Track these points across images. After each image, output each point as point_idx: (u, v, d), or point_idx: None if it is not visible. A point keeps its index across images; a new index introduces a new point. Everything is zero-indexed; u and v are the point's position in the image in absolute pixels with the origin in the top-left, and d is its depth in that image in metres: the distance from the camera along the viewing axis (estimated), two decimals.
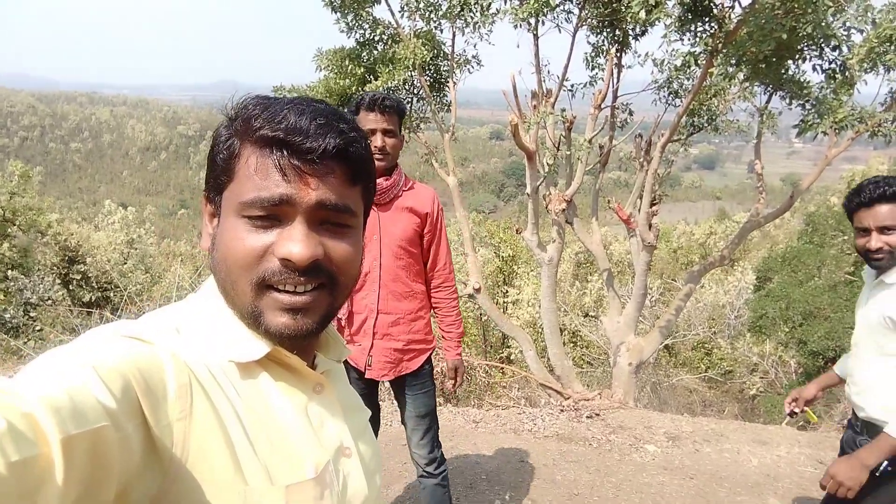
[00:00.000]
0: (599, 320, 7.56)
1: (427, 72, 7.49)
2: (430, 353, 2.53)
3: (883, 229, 1.99)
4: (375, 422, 2.70)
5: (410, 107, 7.81)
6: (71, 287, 10.79)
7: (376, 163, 2.27)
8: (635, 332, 6.73)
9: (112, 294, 9.84)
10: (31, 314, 9.50)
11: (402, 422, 2.59)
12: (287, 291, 0.71)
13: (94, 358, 0.58)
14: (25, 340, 7.89)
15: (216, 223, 0.76)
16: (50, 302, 9.91)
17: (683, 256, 22.84)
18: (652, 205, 6.44)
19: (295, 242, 0.69)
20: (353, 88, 7.24)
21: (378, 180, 2.30)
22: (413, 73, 7.12)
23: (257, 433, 0.70)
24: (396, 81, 6.96)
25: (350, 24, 7.23)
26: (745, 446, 4.51)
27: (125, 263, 16.02)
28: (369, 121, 2.28)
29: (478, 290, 6.34)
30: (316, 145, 0.69)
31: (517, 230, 6.93)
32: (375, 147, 2.28)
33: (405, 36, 6.93)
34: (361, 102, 2.31)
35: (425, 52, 6.73)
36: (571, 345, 14.90)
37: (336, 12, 7.10)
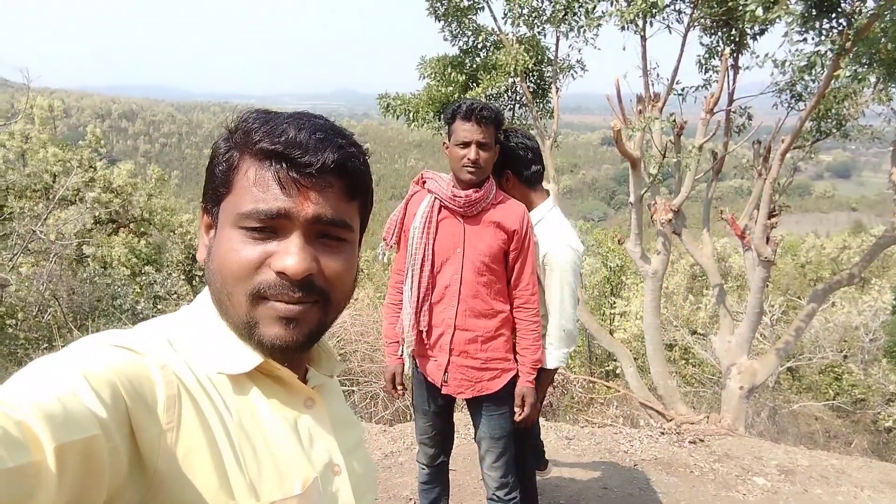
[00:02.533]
0: (708, 339, 7.09)
1: (529, 78, 7.38)
2: (513, 375, 2.39)
3: None
4: (449, 437, 2.62)
5: (512, 114, 7.73)
6: (194, 283, 11.60)
7: (467, 176, 2.19)
8: (749, 353, 6.25)
9: None
10: (159, 306, 10.26)
11: (476, 440, 2.49)
12: (282, 301, 0.71)
13: (84, 366, 0.58)
14: None
15: (212, 235, 0.76)
16: (175, 296, 10.66)
17: (812, 272, 21.13)
18: (770, 216, 5.96)
19: (291, 256, 0.69)
20: (455, 96, 7.25)
21: (468, 192, 2.23)
22: (515, 80, 7.04)
23: (245, 447, 0.69)
24: (498, 88, 6.90)
25: (454, 31, 7.28)
26: (867, 489, 4.03)
27: None
28: (464, 131, 2.17)
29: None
30: (315, 159, 0.69)
31: (619, 240, 6.65)
32: (468, 160, 2.16)
33: (508, 42, 6.86)
34: (458, 111, 2.20)
35: (527, 58, 6.63)
36: (682, 362, 14.17)
37: (440, 21, 7.16)
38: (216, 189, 0.75)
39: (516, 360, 2.41)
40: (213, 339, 0.74)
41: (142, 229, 13.88)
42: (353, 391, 5.71)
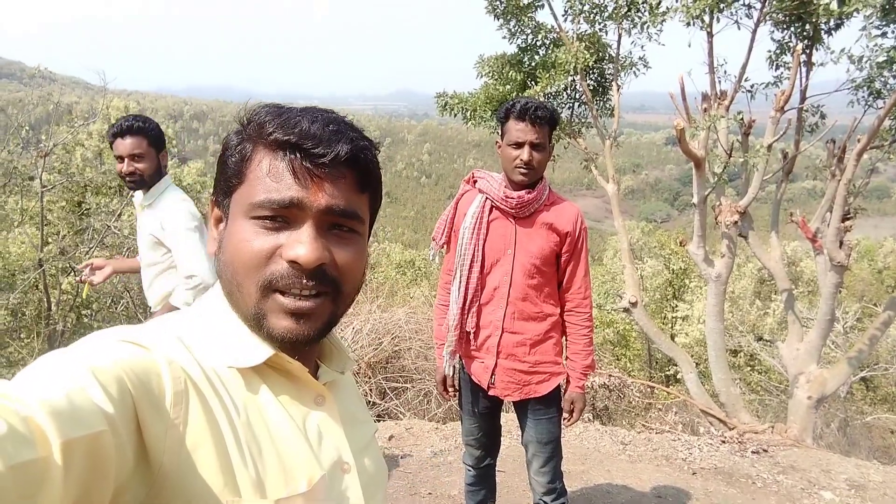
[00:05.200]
0: (775, 346, 6.80)
1: (589, 76, 7.26)
2: (561, 380, 2.35)
3: None
4: (496, 440, 2.59)
5: (571, 112, 7.61)
6: None
7: (520, 177, 2.16)
8: (818, 361, 5.96)
9: None
10: None
11: (523, 444, 2.45)
12: (292, 295, 0.71)
13: (92, 362, 0.58)
14: None
15: (222, 227, 0.77)
16: None
17: (889, 278, 20.02)
18: (844, 219, 5.66)
19: (303, 245, 0.70)
20: (513, 94, 7.19)
21: (520, 193, 2.19)
22: (574, 78, 6.93)
23: (251, 444, 0.68)
24: (556, 86, 6.80)
25: (512, 29, 7.22)
26: None
27: None
28: (518, 131, 2.12)
29: (634, 305, 6.00)
30: (328, 150, 0.70)
31: (681, 242, 6.45)
32: (521, 161, 2.12)
33: (567, 40, 6.76)
34: (512, 110, 2.15)
35: (588, 56, 6.51)
36: (748, 369, 13.66)
37: (499, 19, 7.11)
38: (228, 180, 0.75)
39: (566, 364, 2.37)
40: (223, 332, 0.74)
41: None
42: (407, 388, 5.75)
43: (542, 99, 6.75)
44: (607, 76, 7.30)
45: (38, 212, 12.10)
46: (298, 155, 0.70)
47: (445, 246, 2.43)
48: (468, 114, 7.36)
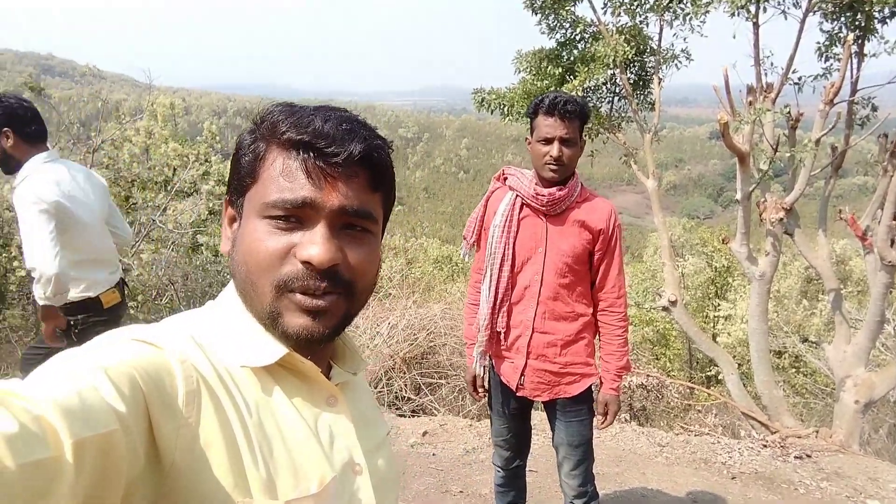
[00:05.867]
0: (822, 347, 6.57)
1: (630, 69, 7.12)
2: (593, 381, 2.30)
3: None
4: (525, 441, 2.55)
5: (611, 106, 7.50)
6: None
7: (550, 174, 2.11)
8: (867, 364, 5.74)
9: None
10: None
11: (554, 445, 2.41)
12: (307, 294, 0.71)
13: (104, 361, 0.58)
14: None
15: (236, 227, 0.77)
16: None
17: None
18: None
19: (316, 245, 0.70)
20: (551, 89, 7.12)
21: (551, 190, 2.15)
22: (614, 71, 6.81)
23: (262, 444, 0.68)
24: (595, 80, 6.70)
25: (551, 24, 7.14)
26: None
27: None
28: (547, 126, 2.08)
29: (673, 303, 5.87)
30: (341, 149, 0.70)
31: (724, 240, 6.29)
32: (550, 157, 2.08)
33: (607, 33, 6.64)
34: (540, 105, 2.11)
35: (627, 49, 6.40)
36: (792, 371, 13.26)
37: (537, 13, 7.04)
38: (241, 180, 0.75)
39: (597, 365, 2.33)
40: (236, 331, 0.74)
41: None
42: (442, 384, 5.75)
43: (580, 93, 6.66)
44: (648, 69, 7.16)
45: None
46: (311, 154, 0.70)
47: (476, 244, 2.40)
48: (505, 109, 7.31)
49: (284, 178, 0.70)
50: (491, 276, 2.27)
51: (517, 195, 2.23)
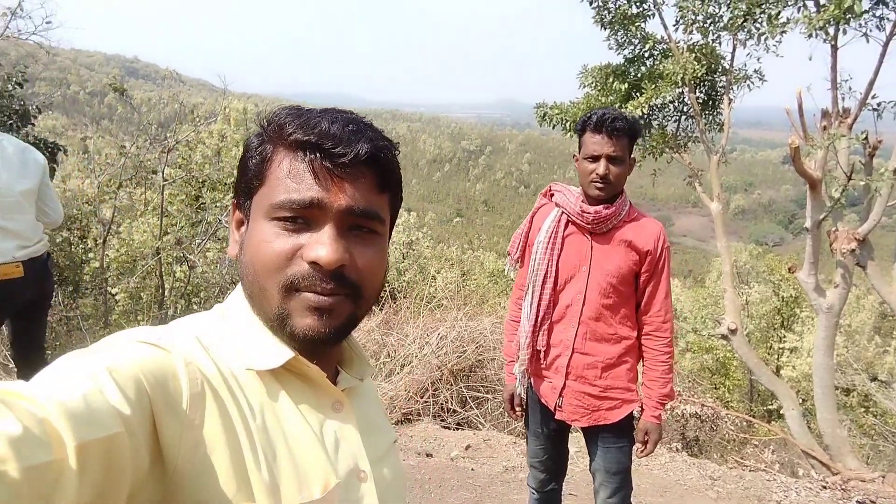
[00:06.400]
0: (893, 388, 6.20)
1: (699, 88, 6.95)
2: (633, 408, 2.22)
3: None
4: (562, 464, 2.47)
5: (677, 125, 7.32)
6: None
7: (595, 192, 2.06)
8: None
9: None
10: None
11: (591, 471, 2.33)
12: (314, 292, 0.71)
13: (110, 363, 0.58)
14: None
15: (244, 230, 0.77)
16: None
17: None
18: None
19: (323, 246, 0.69)
20: (616, 106, 7.01)
21: (597, 208, 2.09)
22: (682, 90, 6.66)
23: (267, 448, 0.68)
24: (662, 98, 6.56)
25: (620, 40, 7.05)
26: None
27: (403, 261, 17.73)
28: (594, 144, 2.03)
29: (733, 332, 5.65)
30: (348, 150, 0.70)
31: (790, 269, 6.02)
32: (597, 174, 2.03)
33: (677, 50, 6.51)
34: (588, 121, 2.06)
35: (698, 67, 6.25)
36: (861, 410, 12.56)
37: (606, 28, 6.96)
38: (249, 182, 0.75)
39: (639, 392, 2.25)
40: (243, 334, 0.74)
41: None
42: (488, 398, 5.70)
43: (646, 110, 6.54)
44: (718, 89, 6.97)
45: (159, 203, 13.09)
46: (318, 155, 0.70)
47: (520, 260, 2.36)
48: (568, 124, 7.23)
49: (291, 179, 0.71)
50: (533, 293, 2.22)
51: (563, 212, 2.19)
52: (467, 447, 4.58)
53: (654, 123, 7.34)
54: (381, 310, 7.39)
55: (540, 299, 2.21)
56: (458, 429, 5.33)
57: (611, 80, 6.95)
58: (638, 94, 6.76)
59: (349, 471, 0.75)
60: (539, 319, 2.22)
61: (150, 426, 0.59)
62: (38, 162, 3.05)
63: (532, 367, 2.32)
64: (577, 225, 2.16)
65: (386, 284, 0.84)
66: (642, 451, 2.20)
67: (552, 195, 2.27)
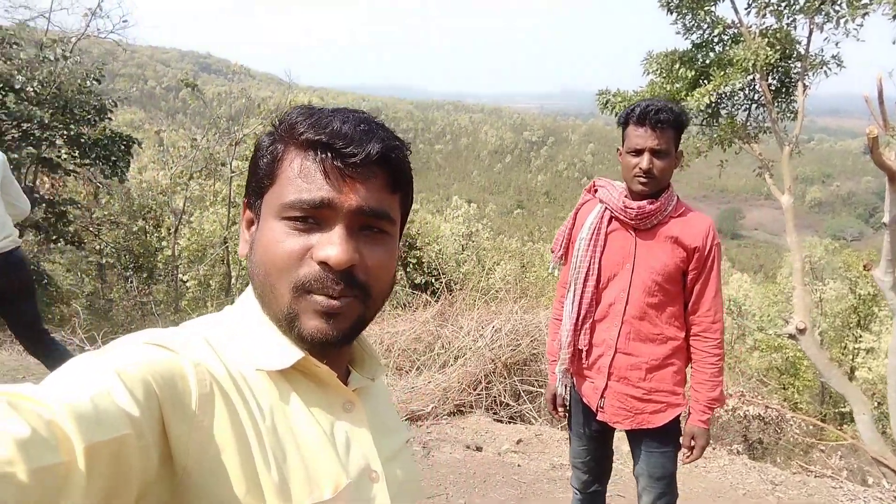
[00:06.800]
0: None
1: (772, 74, 6.62)
2: (679, 412, 2.12)
3: None
4: (605, 465, 2.40)
5: (748, 114, 7.01)
6: (408, 269, 12.37)
7: (639, 187, 2.00)
8: None
9: (435, 280, 10.98)
10: None
11: (634, 475, 2.25)
12: (324, 295, 0.70)
13: (118, 364, 0.59)
14: None
15: (254, 230, 0.76)
16: None
17: None
18: None
19: (334, 246, 0.69)
20: (682, 94, 6.77)
21: (640, 203, 2.02)
22: (753, 76, 6.36)
23: (276, 449, 0.67)
24: (731, 86, 6.28)
25: (688, 24, 6.78)
26: None
27: (462, 253, 17.78)
28: (637, 137, 1.96)
29: (802, 331, 5.38)
30: (359, 150, 0.69)
31: (865, 266, 5.68)
32: (640, 169, 1.96)
33: (748, 35, 6.21)
34: (631, 114, 1.98)
35: (770, 53, 5.94)
36: None
37: (672, 13, 6.72)
38: (260, 181, 0.75)
39: (686, 395, 2.14)
40: (253, 334, 0.74)
41: None
42: (541, 393, 5.64)
43: (713, 98, 6.29)
44: (793, 75, 6.63)
45: (227, 194, 13.54)
46: (329, 155, 0.69)
47: (563, 258, 2.30)
48: None
49: (302, 178, 0.70)
50: (574, 290, 2.16)
51: (606, 208, 2.12)
52: (518, 441, 4.55)
53: (723, 112, 7.05)
54: (437, 301, 7.42)
55: (581, 297, 2.15)
56: (510, 422, 5.30)
57: (677, 66, 6.71)
58: (705, 81, 6.50)
59: (360, 471, 0.75)
60: (580, 318, 2.16)
61: (159, 427, 0.59)
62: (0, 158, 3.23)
63: (574, 367, 2.26)
64: (621, 221, 2.09)
65: (395, 284, 0.82)
66: (688, 457, 2.11)
67: (596, 190, 2.20)
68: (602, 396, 2.15)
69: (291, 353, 0.72)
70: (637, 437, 2.17)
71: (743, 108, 7.01)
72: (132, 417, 0.54)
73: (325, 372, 0.74)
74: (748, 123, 6.93)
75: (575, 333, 2.18)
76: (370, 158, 0.70)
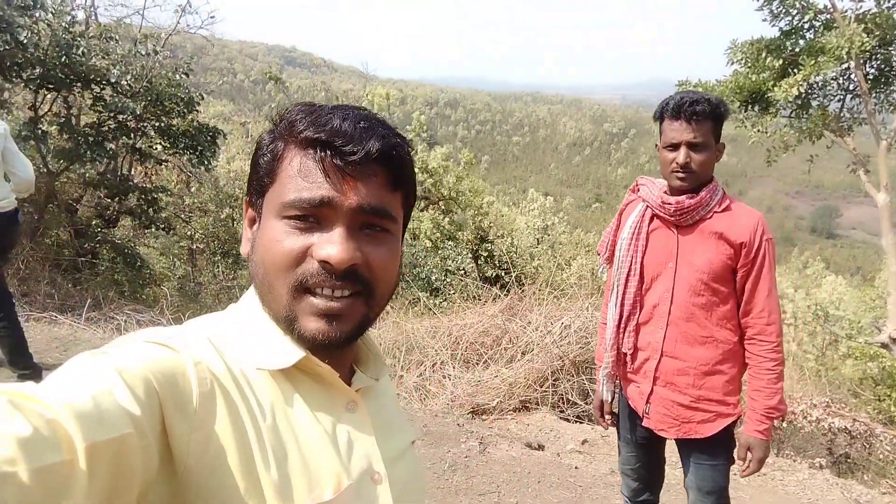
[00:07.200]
0: None
1: (870, 63, 6.16)
2: (734, 423, 2.01)
3: None
4: (656, 472, 2.30)
5: (841, 105, 6.56)
6: (479, 262, 12.37)
7: (677, 182, 1.93)
8: None
9: (505, 274, 10.92)
10: (447, 279, 11.20)
11: (684, 487, 2.15)
12: (324, 296, 0.70)
13: (120, 363, 0.59)
14: (438, 301, 9.32)
15: (256, 228, 0.76)
16: (462, 272, 11.51)
17: None
18: None
19: (334, 245, 0.68)
20: (769, 84, 6.40)
21: (679, 198, 1.94)
22: (848, 65, 5.94)
23: (277, 449, 0.67)
24: (823, 75, 5.89)
25: (775, 10, 6.41)
26: None
27: (536, 246, 17.59)
28: (672, 131, 1.91)
29: (895, 341, 5.00)
30: (358, 148, 0.69)
31: None
32: (677, 163, 1.90)
33: (843, 20, 5.80)
34: (666, 108, 1.94)
35: (867, 40, 5.52)
36: None
37: None
38: (260, 180, 0.75)
39: (742, 404, 2.02)
40: (254, 334, 0.74)
41: (449, 207, 15.25)
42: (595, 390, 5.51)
43: (803, 89, 5.93)
44: (893, 63, 6.13)
45: None
46: (329, 153, 0.69)
47: (609, 260, 2.24)
48: None
49: (302, 177, 0.70)
50: (617, 292, 2.09)
51: (647, 206, 2.05)
52: (584, 442, 4.46)
53: (814, 104, 6.62)
54: (506, 294, 7.36)
55: (623, 298, 2.08)
56: (577, 422, 5.20)
57: (763, 55, 6.34)
58: (794, 70, 6.11)
59: (362, 472, 0.74)
60: (623, 319, 2.10)
61: (160, 426, 0.59)
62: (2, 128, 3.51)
63: (621, 371, 2.19)
64: (662, 219, 2.02)
65: (399, 281, 0.81)
66: (745, 470, 1.99)
67: (638, 189, 2.14)
68: (648, 402, 2.07)
69: (293, 353, 0.72)
70: (686, 448, 2.08)
71: (836, 98, 6.56)
72: (133, 416, 0.55)
73: (327, 372, 0.74)
74: (841, 115, 6.48)
75: (618, 336, 2.12)
76: (370, 156, 0.69)
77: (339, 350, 0.75)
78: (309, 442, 0.70)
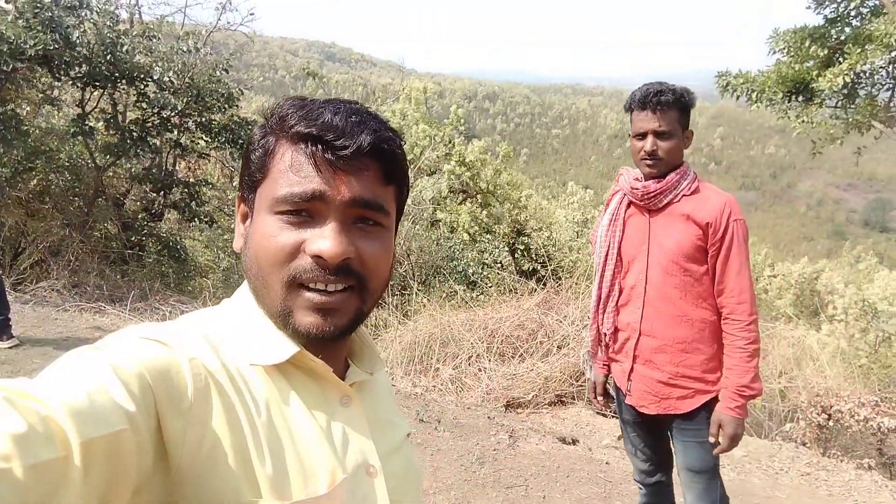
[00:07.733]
0: None
1: None
2: (712, 399, 2.03)
3: None
4: (663, 453, 2.30)
5: (891, 94, 6.31)
6: (516, 255, 12.33)
7: (646, 169, 2.04)
8: None
9: (541, 267, 10.85)
10: (484, 273, 11.20)
11: (676, 468, 2.17)
12: (317, 291, 0.70)
13: (114, 359, 0.59)
14: (476, 294, 9.34)
15: (248, 223, 0.76)
16: (499, 265, 11.50)
17: None
18: None
19: (326, 239, 0.69)
20: (813, 74, 6.21)
21: (645, 183, 2.06)
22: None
23: (272, 444, 0.67)
24: (871, 64, 5.69)
25: None
26: None
27: (576, 240, 17.44)
28: (640, 121, 2.02)
29: None
30: (350, 142, 0.69)
31: None
32: (644, 152, 2.01)
33: (892, 6, 5.59)
34: (633, 100, 2.04)
35: None
36: None
37: None
38: (252, 175, 0.75)
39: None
40: (248, 329, 0.74)
41: (486, 201, 15.24)
42: None
43: (850, 78, 5.75)
44: None
45: None
46: (320, 147, 0.69)
47: None
48: (753, 95, 6.57)
49: (293, 171, 0.70)
50: (597, 275, 2.22)
51: (624, 193, 2.18)
52: (619, 437, 4.44)
53: (861, 93, 6.39)
54: (543, 288, 7.33)
55: (601, 279, 2.21)
56: (614, 417, 5.17)
57: (807, 44, 6.15)
58: (840, 59, 5.91)
59: (357, 465, 0.74)
60: (602, 301, 2.22)
61: (155, 422, 0.59)
62: None
63: (606, 352, 2.29)
64: (636, 205, 2.14)
65: (393, 276, 0.82)
66: (718, 449, 2.00)
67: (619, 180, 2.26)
68: (629, 380, 2.15)
69: (287, 348, 0.72)
70: (675, 429, 2.13)
71: (885, 87, 6.32)
72: (128, 412, 0.55)
73: (321, 366, 0.74)
74: (891, 105, 6.25)
75: (597, 316, 2.24)
76: (362, 150, 0.69)
77: (333, 344, 0.76)
78: (304, 437, 0.70)
